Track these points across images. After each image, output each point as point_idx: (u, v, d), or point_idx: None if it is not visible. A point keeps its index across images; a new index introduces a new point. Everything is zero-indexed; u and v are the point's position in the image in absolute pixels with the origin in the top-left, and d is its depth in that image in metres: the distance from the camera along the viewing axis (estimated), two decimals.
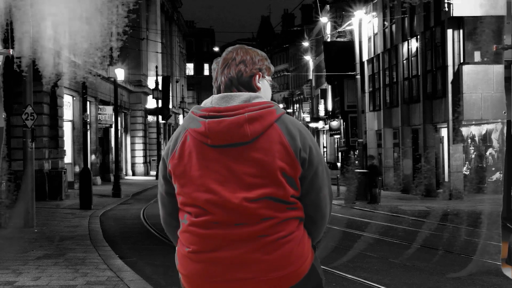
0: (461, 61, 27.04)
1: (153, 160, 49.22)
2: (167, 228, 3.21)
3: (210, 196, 2.89)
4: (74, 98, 31.06)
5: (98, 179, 34.25)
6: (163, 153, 3.09)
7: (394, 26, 34.17)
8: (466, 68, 26.55)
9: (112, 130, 35.07)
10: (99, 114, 35.52)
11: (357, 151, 32.12)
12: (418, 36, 30.77)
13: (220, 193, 2.88)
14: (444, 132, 28.83)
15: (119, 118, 39.84)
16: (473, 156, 28.82)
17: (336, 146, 57.11)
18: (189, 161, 2.93)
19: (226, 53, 3.07)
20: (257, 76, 3.04)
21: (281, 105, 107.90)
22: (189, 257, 2.96)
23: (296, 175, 2.90)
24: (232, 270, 2.89)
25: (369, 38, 38.18)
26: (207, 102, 2.99)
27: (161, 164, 3.08)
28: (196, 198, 2.92)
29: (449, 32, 27.29)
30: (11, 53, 13.49)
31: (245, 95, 2.94)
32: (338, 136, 53.60)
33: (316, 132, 67.51)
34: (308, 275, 2.97)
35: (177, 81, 68.83)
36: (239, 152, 2.87)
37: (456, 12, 26.68)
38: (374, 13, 36.97)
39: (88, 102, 29.57)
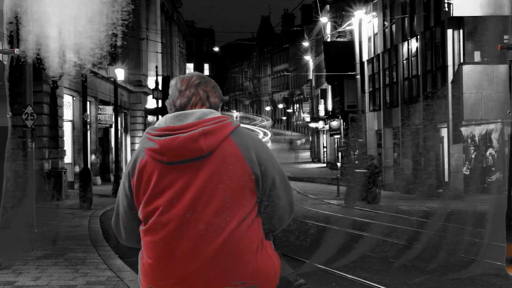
0: (461, 61, 27.03)
1: None
2: (119, 231, 3.29)
3: (172, 211, 2.94)
4: (74, 98, 31.04)
5: (98, 179, 34.24)
6: (127, 168, 3.13)
7: (394, 26, 34.16)
8: (466, 68, 26.54)
9: (112, 130, 35.05)
10: (99, 114, 35.49)
11: (357, 151, 32.09)
12: (418, 36, 30.76)
13: (181, 207, 2.93)
14: (444, 132, 28.82)
15: (119, 118, 39.82)
16: (473, 156, 28.81)
17: (336, 146, 57.07)
18: (147, 182, 2.98)
19: (180, 80, 3.13)
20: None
21: (281, 105, 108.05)
22: (151, 264, 3.04)
23: (253, 186, 2.97)
24: (199, 274, 2.95)
25: (369, 38, 38.18)
26: (161, 123, 3.04)
27: (125, 180, 3.12)
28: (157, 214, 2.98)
29: (449, 32, 27.29)
30: (16, 52, 13.51)
31: (198, 112, 2.99)
32: (338, 136, 53.54)
33: (316, 132, 67.46)
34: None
35: None
36: (196, 167, 2.93)
37: (456, 12, 26.68)
38: (374, 13, 36.96)
39: (88, 102, 29.55)
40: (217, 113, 3.03)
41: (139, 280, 3.12)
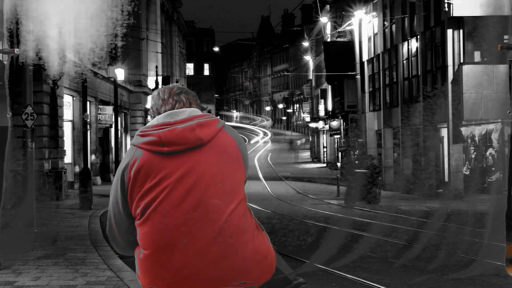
0: (461, 61, 27.03)
1: None
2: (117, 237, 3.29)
3: (172, 199, 3.01)
4: (74, 98, 31.04)
5: (98, 179, 34.23)
6: (119, 170, 3.14)
7: (394, 26, 34.16)
8: (466, 68, 26.54)
9: (112, 130, 35.06)
10: (99, 114, 35.46)
11: (357, 151, 32.09)
12: (418, 36, 30.76)
13: (180, 195, 3.01)
14: (444, 132, 28.82)
15: (119, 118, 39.81)
16: (473, 156, 28.82)
17: (336, 146, 57.06)
18: (145, 175, 3.04)
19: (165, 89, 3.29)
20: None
21: (281, 105, 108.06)
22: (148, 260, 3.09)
23: (244, 175, 3.19)
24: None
25: (369, 38, 38.18)
26: (153, 122, 3.17)
27: (118, 179, 3.12)
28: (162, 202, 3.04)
29: (449, 32, 27.29)
30: (16, 52, 13.52)
31: (188, 110, 3.18)
32: (338, 136, 53.54)
33: (316, 132, 67.44)
34: None
35: (177, 81, 68.83)
36: (196, 155, 3.05)
37: (456, 12, 26.68)
38: (374, 13, 36.97)
39: (88, 102, 29.55)
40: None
41: (138, 277, 3.12)
